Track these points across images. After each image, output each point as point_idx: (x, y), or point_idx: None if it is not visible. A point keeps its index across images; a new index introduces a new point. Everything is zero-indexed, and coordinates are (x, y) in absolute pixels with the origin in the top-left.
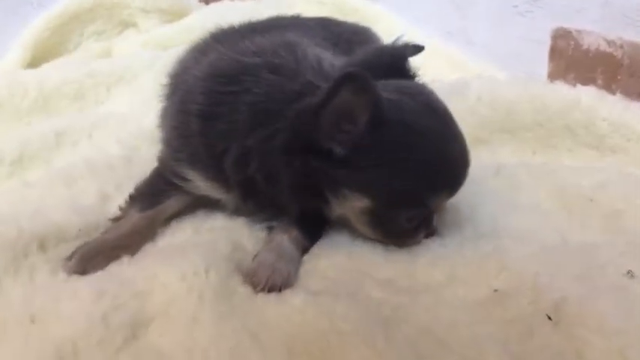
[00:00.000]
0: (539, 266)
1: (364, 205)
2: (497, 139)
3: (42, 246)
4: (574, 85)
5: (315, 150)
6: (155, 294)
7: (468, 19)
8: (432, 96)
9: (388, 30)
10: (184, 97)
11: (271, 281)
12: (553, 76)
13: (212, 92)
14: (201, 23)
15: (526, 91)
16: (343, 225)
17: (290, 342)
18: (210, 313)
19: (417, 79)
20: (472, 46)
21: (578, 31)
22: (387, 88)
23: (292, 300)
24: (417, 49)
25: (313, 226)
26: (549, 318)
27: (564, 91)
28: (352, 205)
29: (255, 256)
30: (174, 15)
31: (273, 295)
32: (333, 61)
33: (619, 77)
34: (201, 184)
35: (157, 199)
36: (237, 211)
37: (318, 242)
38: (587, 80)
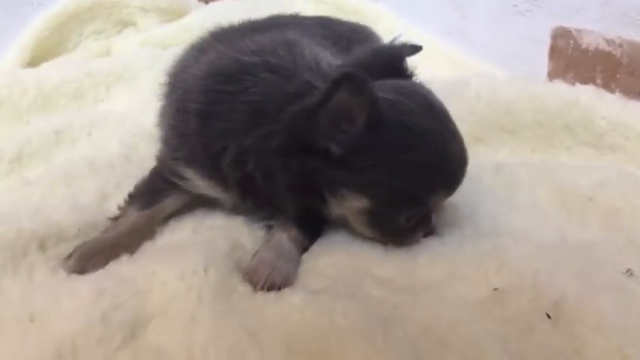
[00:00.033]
0: (538, 264)
1: (363, 205)
2: (497, 138)
3: (41, 245)
4: (573, 84)
5: (313, 150)
6: (154, 293)
7: (467, 19)
8: (429, 95)
9: (388, 29)
10: (183, 95)
11: (271, 280)
12: (553, 75)
13: (210, 91)
14: (200, 22)
15: (525, 90)
16: (342, 225)
17: (289, 341)
18: (209, 312)
19: (414, 78)
20: (472, 45)
21: (578, 31)
22: (384, 88)
23: (291, 299)
24: (415, 48)
25: (312, 225)
26: (549, 316)
27: (563, 90)
28: (350, 206)
29: (255, 254)
30: (174, 14)
31: (272, 294)
32: (331, 60)
33: (618, 76)
34: (199, 183)
35: (156, 198)
36: (235, 210)
37: (317, 241)
38: (586, 79)
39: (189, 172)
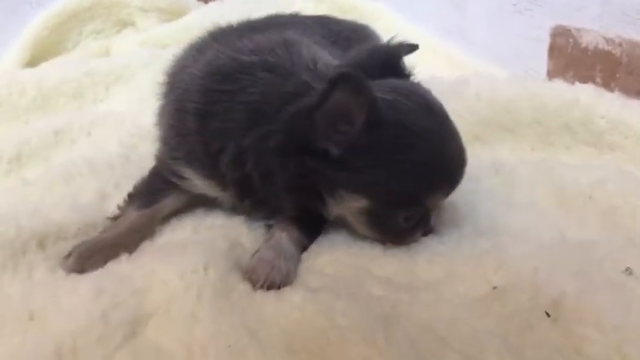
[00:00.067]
0: (537, 263)
1: (361, 205)
2: (496, 136)
3: (41, 244)
4: (573, 83)
5: (311, 151)
6: (154, 291)
7: (467, 18)
8: (427, 95)
9: (388, 28)
10: (182, 95)
11: (270, 279)
12: (552, 74)
13: (209, 90)
14: (199, 22)
15: (525, 89)
16: (341, 224)
17: (289, 339)
18: (209, 310)
19: (411, 77)
20: (471, 44)
21: (577, 30)
22: (382, 88)
23: (291, 297)
24: (412, 47)
25: (312, 224)
26: (548, 315)
27: (563, 89)
28: (349, 206)
29: (255, 253)
30: (173, 14)
31: (272, 293)
32: (328, 60)
33: (617, 75)
34: (198, 183)
35: (155, 198)
36: (234, 210)
37: (316, 240)
38: (586, 78)
39: (188, 172)
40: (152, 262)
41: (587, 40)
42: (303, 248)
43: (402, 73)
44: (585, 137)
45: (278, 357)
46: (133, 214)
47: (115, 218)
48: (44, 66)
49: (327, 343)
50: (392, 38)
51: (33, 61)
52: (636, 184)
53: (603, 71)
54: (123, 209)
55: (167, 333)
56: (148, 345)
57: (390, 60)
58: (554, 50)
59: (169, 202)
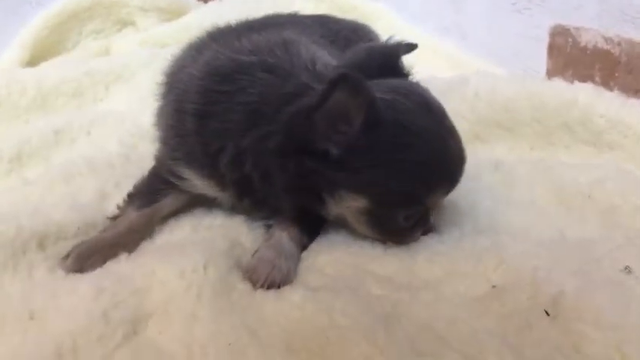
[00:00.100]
0: (537, 262)
1: (361, 205)
2: (495, 135)
3: (41, 243)
4: (572, 82)
5: (310, 151)
6: (153, 291)
7: (466, 17)
8: (425, 94)
9: (387, 27)
10: (180, 95)
11: (270, 278)
12: (551, 73)
13: (208, 91)
14: (199, 22)
15: (524, 88)
16: (341, 224)
17: (289, 338)
18: (209, 310)
19: (410, 77)
20: (470, 43)
21: (576, 29)
22: (380, 88)
23: (291, 296)
24: (410, 47)
25: (312, 223)
26: (547, 313)
27: (562, 88)
28: (349, 206)
29: (255, 253)
30: (173, 13)
31: (272, 292)
32: (327, 60)
33: (617, 74)
34: (197, 183)
35: (154, 198)
36: (234, 209)
37: (316, 239)
38: (585, 77)
39: (187, 172)
40: (152, 262)
41: (586, 40)
42: (303, 247)
43: (400, 72)
44: (584, 136)
45: (278, 356)
46: (133, 214)
47: (115, 218)
48: (44, 66)
49: (327, 342)
50: (390, 38)
51: (33, 61)
52: (635, 183)
53: (602, 70)
54: (122, 209)
55: (167, 332)
56: (148, 344)
57: (388, 59)
58: (553, 49)
59: (169, 202)
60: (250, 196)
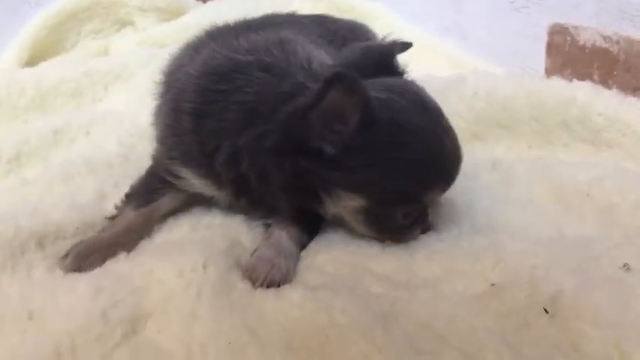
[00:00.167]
0: (535, 260)
1: (358, 204)
2: (494, 134)
3: (40, 243)
4: (570, 81)
5: (307, 151)
6: (153, 290)
7: (464, 16)
8: (421, 93)
9: (386, 28)
10: (178, 95)
11: (270, 277)
12: (550, 71)
13: (204, 90)
14: (198, 22)
15: (522, 87)
16: (339, 223)
17: (288, 337)
18: (209, 309)
19: (405, 75)
20: (469, 42)
21: (575, 27)
22: (375, 87)
23: (291, 295)
24: (405, 46)
25: (311, 222)
26: (546, 311)
27: (560, 87)
28: (346, 205)
29: (254, 252)
30: (172, 13)
31: (271, 291)
32: (323, 59)
33: (615, 73)
34: (194, 182)
35: (152, 197)
36: (232, 208)
37: (316, 238)
38: (583, 76)
39: (184, 171)
40: (151, 261)
41: (584, 38)
42: (303, 246)
43: (395, 71)
44: (583, 135)
45: (278, 355)
46: (131, 214)
47: (113, 218)
48: (43, 66)
49: (326, 340)
50: (385, 37)
51: (32, 61)
52: (634, 181)
53: (601, 69)
54: (120, 209)
55: (166, 331)
56: (147, 344)
57: (383, 58)
58: (551, 48)
59: (166, 202)
60: (247, 195)
